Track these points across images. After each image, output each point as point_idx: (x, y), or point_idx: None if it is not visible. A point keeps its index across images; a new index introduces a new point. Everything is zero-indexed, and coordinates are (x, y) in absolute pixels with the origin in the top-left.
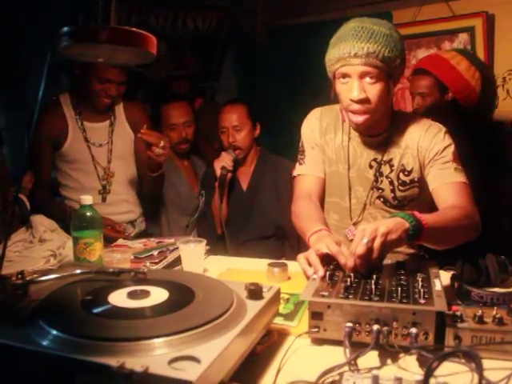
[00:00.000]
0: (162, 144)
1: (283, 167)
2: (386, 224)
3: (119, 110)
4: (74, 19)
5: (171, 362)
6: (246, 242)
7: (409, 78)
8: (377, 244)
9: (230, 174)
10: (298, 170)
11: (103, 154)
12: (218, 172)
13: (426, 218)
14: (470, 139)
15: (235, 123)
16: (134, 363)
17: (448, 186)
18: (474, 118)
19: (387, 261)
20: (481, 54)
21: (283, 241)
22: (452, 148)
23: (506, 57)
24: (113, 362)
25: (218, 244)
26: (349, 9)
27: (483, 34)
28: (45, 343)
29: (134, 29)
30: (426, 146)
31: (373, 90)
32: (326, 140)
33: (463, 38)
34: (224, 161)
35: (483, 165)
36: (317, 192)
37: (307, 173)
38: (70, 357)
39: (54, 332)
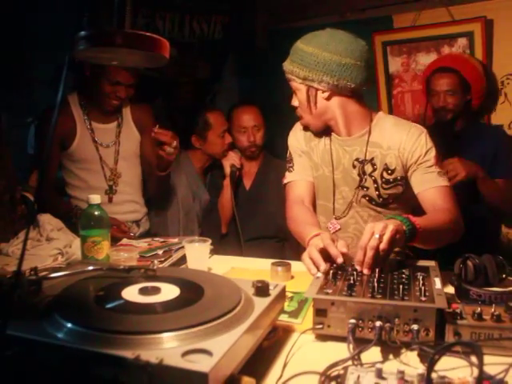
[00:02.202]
0: (174, 144)
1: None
2: (392, 222)
3: (126, 111)
4: (79, 21)
5: (184, 354)
6: (247, 242)
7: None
8: (386, 238)
9: (238, 172)
10: (288, 177)
11: (110, 155)
12: (228, 170)
13: (420, 222)
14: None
15: (255, 123)
16: (149, 355)
17: (434, 190)
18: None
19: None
20: (479, 58)
21: (284, 242)
22: (433, 151)
23: (504, 61)
24: (128, 354)
25: (222, 243)
26: (349, 13)
27: (482, 38)
28: (60, 336)
29: (148, 33)
30: (409, 148)
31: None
32: (311, 146)
33: (462, 42)
34: (233, 159)
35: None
36: (308, 196)
37: (297, 178)
38: (85, 349)
39: (70, 325)
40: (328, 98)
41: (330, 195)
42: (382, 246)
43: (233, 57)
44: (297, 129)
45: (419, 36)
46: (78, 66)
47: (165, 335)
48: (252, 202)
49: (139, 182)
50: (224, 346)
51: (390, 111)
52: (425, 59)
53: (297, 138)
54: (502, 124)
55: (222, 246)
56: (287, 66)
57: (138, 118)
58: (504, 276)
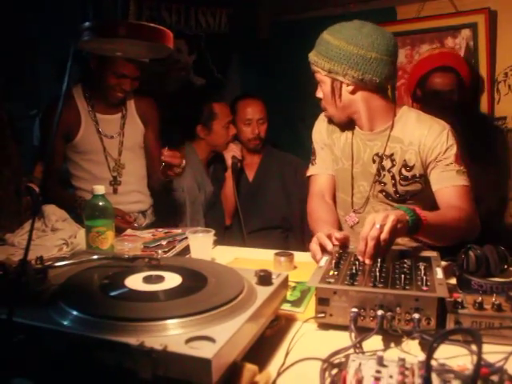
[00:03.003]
0: (183, 164)
1: (289, 162)
2: (393, 213)
3: (130, 103)
4: (84, 14)
5: (188, 341)
6: (251, 233)
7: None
8: (387, 228)
9: (239, 164)
10: (310, 170)
11: (114, 146)
12: (229, 161)
13: (426, 215)
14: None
15: (260, 116)
16: (153, 342)
17: (450, 189)
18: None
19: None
20: (483, 49)
21: (288, 233)
22: (455, 149)
23: (508, 52)
24: (132, 340)
25: (226, 235)
26: (353, 4)
27: (485, 30)
28: (66, 323)
29: (152, 24)
30: (430, 144)
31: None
32: (332, 139)
33: (466, 33)
34: (234, 151)
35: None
36: (329, 190)
37: (319, 172)
38: (90, 336)
39: (75, 313)
40: (353, 92)
41: (348, 189)
42: (383, 235)
43: (236, 48)
44: (320, 121)
45: (423, 27)
46: (83, 58)
47: (169, 322)
48: (255, 194)
49: (143, 173)
50: (227, 334)
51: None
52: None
53: (320, 131)
54: (506, 116)
55: (226, 237)
56: (312, 57)
57: (142, 111)
58: (506, 266)
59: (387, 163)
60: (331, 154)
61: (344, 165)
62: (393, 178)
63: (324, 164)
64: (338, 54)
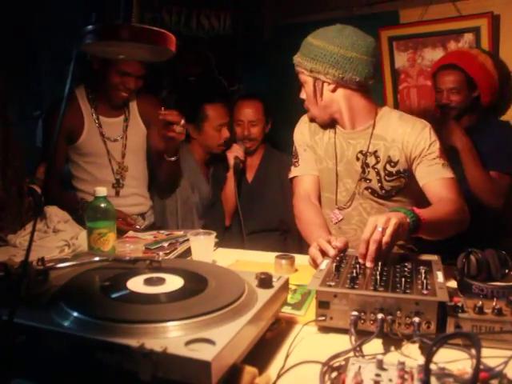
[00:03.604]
0: (182, 122)
1: (289, 164)
2: (395, 215)
3: (133, 105)
4: (86, 15)
5: (188, 343)
6: (249, 235)
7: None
8: (389, 231)
9: (241, 164)
10: (293, 172)
11: (118, 149)
12: (232, 162)
13: (424, 214)
14: (490, 135)
15: (252, 118)
16: (153, 344)
17: (438, 182)
18: (494, 114)
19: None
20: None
21: (286, 236)
22: (437, 144)
23: (510, 57)
24: (133, 342)
25: (226, 236)
26: (356, 7)
27: (488, 34)
28: (66, 324)
29: (154, 27)
30: (413, 141)
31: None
32: (315, 140)
33: (469, 37)
34: (237, 151)
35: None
36: (314, 190)
37: (303, 173)
38: (91, 337)
39: (76, 314)
40: (333, 90)
41: (333, 187)
42: (385, 239)
43: (241, 50)
44: (301, 123)
45: (426, 31)
46: (86, 59)
47: (169, 324)
48: (254, 196)
49: (145, 176)
50: (227, 336)
51: (396, 106)
52: (431, 54)
53: (302, 132)
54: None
55: (225, 238)
56: (296, 58)
57: (145, 111)
58: (507, 271)
59: (371, 160)
60: (314, 154)
61: (328, 164)
62: (377, 174)
63: (308, 165)
64: (319, 53)
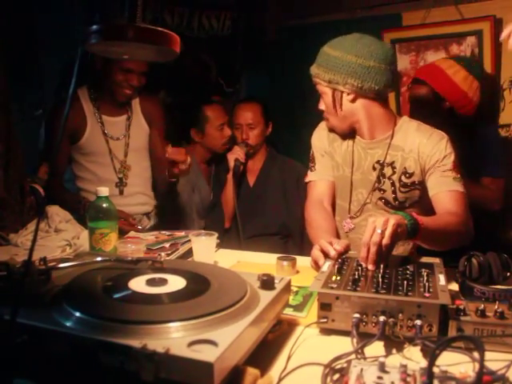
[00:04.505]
0: (188, 161)
1: (291, 168)
2: (393, 217)
3: (135, 104)
4: (89, 15)
5: (190, 344)
6: (250, 238)
7: (408, 85)
8: (388, 233)
9: (242, 167)
10: (309, 176)
11: (120, 148)
12: (232, 163)
13: (423, 219)
14: (467, 146)
15: (250, 121)
16: (156, 345)
17: (446, 194)
18: (472, 125)
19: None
20: (488, 57)
21: (287, 239)
22: (452, 157)
23: None
24: (135, 343)
25: (225, 238)
26: (358, 10)
27: (491, 37)
28: (69, 324)
29: (159, 28)
30: (428, 152)
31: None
32: (333, 147)
33: (471, 41)
34: (237, 153)
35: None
36: (328, 196)
37: (318, 178)
38: (93, 337)
39: (78, 314)
40: (353, 101)
41: (347, 195)
42: (385, 241)
43: (241, 51)
44: (320, 128)
45: (428, 34)
46: (89, 59)
47: (171, 325)
48: (255, 199)
49: (148, 175)
50: (229, 337)
51: (398, 109)
52: (433, 57)
53: (320, 138)
54: (510, 123)
55: (224, 240)
56: (313, 69)
57: (147, 111)
58: (508, 274)
59: (388, 171)
60: (331, 160)
61: (344, 172)
62: (392, 185)
63: (324, 170)
64: (337, 64)
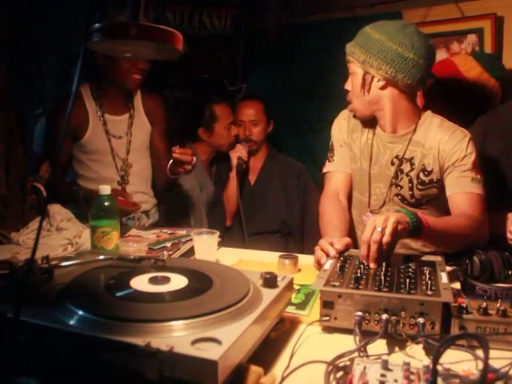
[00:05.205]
0: (194, 161)
1: (292, 167)
2: (393, 215)
3: (137, 101)
4: (90, 15)
5: (194, 342)
6: (250, 236)
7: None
8: (389, 231)
9: (244, 165)
10: (327, 167)
11: (122, 146)
12: (235, 162)
13: (428, 219)
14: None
15: (252, 118)
16: (159, 343)
17: (463, 195)
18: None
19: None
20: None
21: (287, 237)
22: (473, 157)
23: None
24: (139, 341)
25: (226, 236)
26: (359, 8)
27: (491, 35)
28: (72, 323)
29: (162, 26)
30: (449, 150)
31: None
32: (352, 138)
33: (472, 39)
34: (240, 151)
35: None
36: (345, 188)
37: (335, 169)
38: (96, 336)
39: (81, 313)
40: (382, 88)
41: (365, 189)
42: (385, 239)
43: (243, 51)
44: (340, 118)
45: (429, 32)
46: (89, 56)
47: (175, 323)
48: (256, 197)
49: (148, 173)
50: (233, 335)
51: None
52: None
53: (340, 128)
54: None
55: (225, 239)
56: (349, 47)
57: (150, 109)
58: (510, 272)
59: (406, 166)
60: (350, 151)
61: (362, 165)
62: (410, 181)
63: (342, 161)
64: (376, 47)
